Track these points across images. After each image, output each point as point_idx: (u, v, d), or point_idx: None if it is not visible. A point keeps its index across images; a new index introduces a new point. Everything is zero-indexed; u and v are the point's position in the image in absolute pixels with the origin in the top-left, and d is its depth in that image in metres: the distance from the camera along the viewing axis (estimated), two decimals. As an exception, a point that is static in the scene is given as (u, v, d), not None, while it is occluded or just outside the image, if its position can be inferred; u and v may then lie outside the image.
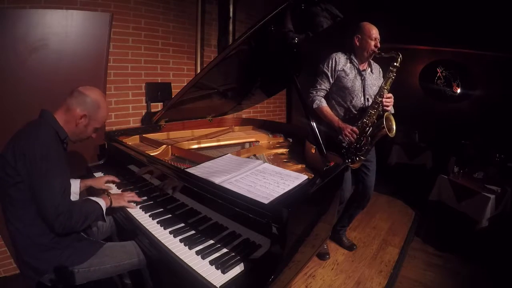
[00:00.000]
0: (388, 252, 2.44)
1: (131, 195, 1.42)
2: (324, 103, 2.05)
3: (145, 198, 1.48)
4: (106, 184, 1.60)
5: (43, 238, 1.13)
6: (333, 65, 2.01)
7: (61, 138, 1.22)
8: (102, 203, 1.27)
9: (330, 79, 2.04)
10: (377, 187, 3.71)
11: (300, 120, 3.86)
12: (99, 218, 1.26)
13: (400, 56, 1.86)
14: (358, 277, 2.10)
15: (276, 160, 1.67)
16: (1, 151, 1.12)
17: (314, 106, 2.05)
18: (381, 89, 1.92)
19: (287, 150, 1.88)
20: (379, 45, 1.92)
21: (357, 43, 1.97)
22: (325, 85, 2.06)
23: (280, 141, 2.07)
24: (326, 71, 2.03)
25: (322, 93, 2.07)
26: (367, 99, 2.02)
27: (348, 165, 1.93)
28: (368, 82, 2.02)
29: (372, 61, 2.06)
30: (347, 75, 1.99)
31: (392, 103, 1.95)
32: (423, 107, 4.51)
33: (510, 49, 3.68)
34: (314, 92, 2.07)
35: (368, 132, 1.92)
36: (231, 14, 2.96)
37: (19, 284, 1.90)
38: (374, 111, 1.92)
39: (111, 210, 1.36)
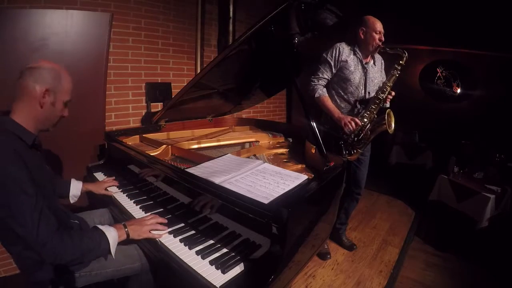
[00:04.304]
0: (388, 252, 2.44)
1: (154, 221, 1.16)
2: (325, 93, 2.05)
3: (145, 197, 1.48)
4: (107, 190, 1.55)
5: None
6: (337, 55, 2.00)
7: (28, 144, 1.01)
8: (112, 236, 1.04)
9: (333, 69, 2.03)
10: (377, 187, 3.77)
11: (300, 120, 3.86)
12: (104, 253, 1.04)
13: (406, 54, 1.87)
14: (358, 277, 2.10)
15: (276, 160, 1.67)
16: None
17: (316, 95, 2.04)
18: (384, 85, 1.94)
19: (287, 150, 1.88)
20: (383, 38, 1.92)
21: (362, 36, 1.96)
22: (327, 74, 2.05)
23: (280, 141, 2.07)
24: (330, 60, 2.01)
25: (323, 82, 2.06)
26: (368, 92, 2.03)
27: (346, 157, 1.94)
28: (370, 75, 2.02)
29: (375, 53, 2.05)
30: (350, 67, 1.99)
31: (391, 99, 1.98)
32: (423, 107, 4.51)
33: (510, 49, 3.68)
34: (315, 81, 2.06)
35: (368, 126, 1.94)
36: (231, 14, 2.96)
37: (19, 284, 1.90)
38: (376, 106, 1.94)
39: (130, 241, 1.15)
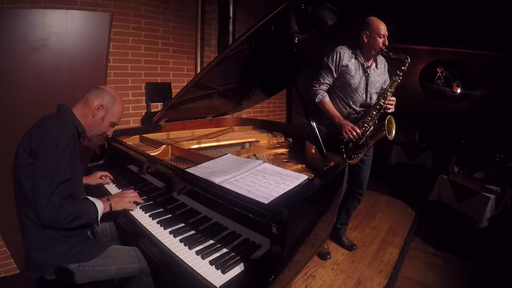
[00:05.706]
0: (388, 252, 2.44)
1: (133, 195, 1.38)
2: (326, 98, 2.05)
3: (145, 198, 1.48)
4: (101, 179, 1.64)
5: (53, 229, 1.11)
6: (337, 59, 1.99)
7: (79, 131, 1.25)
8: (100, 206, 1.21)
9: (334, 74, 2.02)
10: (377, 187, 3.77)
11: (300, 120, 3.86)
12: (92, 221, 1.20)
13: (409, 60, 1.85)
14: (358, 277, 2.10)
15: (276, 160, 1.67)
16: (17, 143, 1.14)
17: (317, 100, 2.04)
18: (385, 91, 1.93)
19: (287, 150, 1.88)
20: (387, 43, 1.89)
21: (365, 40, 1.93)
22: (328, 79, 2.05)
23: (280, 141, 2.07)
24: (330, 65, 2.01)
25: (325, 87, 2.06)
26: (370, 96, 2.02)
27: (346, 161, 1.94)
28: (371, 79, 2.01)
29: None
30: (351, 71, 1.98)
31: (393, 106, 1.97)
32: (423, 107, 4.51)
33: (510, 49, 3.68)
34: (317, 86, 2.06)
35: (368, 132, 1.94)
36: (231, 14, 2.96)
37: (19, 284, 1.90)
38: (376, 112, 1.94)
39: (113, 214, 1.32)
